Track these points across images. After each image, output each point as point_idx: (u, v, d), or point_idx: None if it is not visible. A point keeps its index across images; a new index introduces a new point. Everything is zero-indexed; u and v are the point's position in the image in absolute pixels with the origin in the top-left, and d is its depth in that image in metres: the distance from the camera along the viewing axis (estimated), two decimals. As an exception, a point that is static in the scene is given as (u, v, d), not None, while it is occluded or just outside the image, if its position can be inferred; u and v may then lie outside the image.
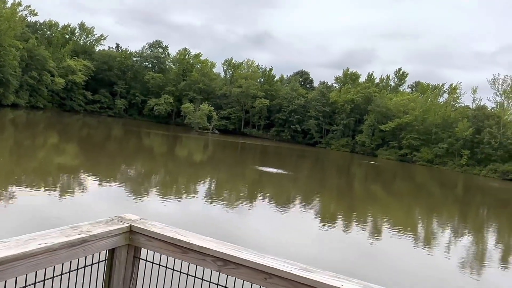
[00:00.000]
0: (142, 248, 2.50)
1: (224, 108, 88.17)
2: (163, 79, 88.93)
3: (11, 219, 10.41)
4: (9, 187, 14.12)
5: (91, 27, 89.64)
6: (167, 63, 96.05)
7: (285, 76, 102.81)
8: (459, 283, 10.81)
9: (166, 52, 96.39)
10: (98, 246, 2.25)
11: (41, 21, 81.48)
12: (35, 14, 74.92)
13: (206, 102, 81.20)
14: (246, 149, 57.83)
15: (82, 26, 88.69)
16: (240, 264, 2.18)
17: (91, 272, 2.28)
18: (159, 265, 2.46)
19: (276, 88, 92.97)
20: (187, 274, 2.40)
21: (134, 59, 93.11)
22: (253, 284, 2.18)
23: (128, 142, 42.08)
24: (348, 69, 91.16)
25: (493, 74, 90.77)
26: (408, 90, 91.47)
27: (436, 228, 19.10)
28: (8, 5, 66.32)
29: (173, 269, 2.44)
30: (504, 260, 14.44)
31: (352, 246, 13.22)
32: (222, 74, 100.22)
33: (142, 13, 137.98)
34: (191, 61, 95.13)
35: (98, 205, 13.40)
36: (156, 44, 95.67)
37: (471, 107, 75.11)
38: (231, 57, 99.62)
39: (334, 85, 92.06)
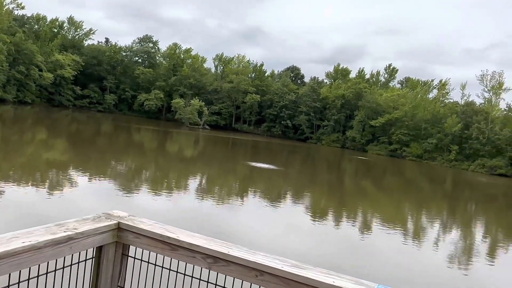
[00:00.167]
0: (130, 246, 2.46)
1: (215, 103, 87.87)
2: (153, 74, 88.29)
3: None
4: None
5: (80, 21, 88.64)
6: (157, 58, 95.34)
7: (276, 72, 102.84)
8: (447, 276, 10.94)
9: (156, 47, 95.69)
10: (85, 244, 2.20)
11: (29, 15, 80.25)
12: (22, 8, 73.80)
13: (196, 97, 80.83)
14: (237, 144, 57.77)
15: (70, 20, 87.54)
16: (230, 262, 2.14)
17: (77, 270, 2.23)
18: (148, 262, 2.42)
19: (267, 84, 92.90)
20: (177, 272, 2.37)
21: (124, 53, 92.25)
22: (243, 281, 2.15)
23: (118, 138, 41.75)
24: (339, 65, 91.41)
25: (481, 70, 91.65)
26: (398, 86, 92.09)
27: (425, 223, 19.30)
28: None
29: (162, 267, 2.40)
30: (491, 254, 14.65)
31: (342, 241, 13.29)
32: (213, 69, 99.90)
33: (132, 7, 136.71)
34: (182, 56, 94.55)
35: (87, 201, 13.26)
36: (146, 39, 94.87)
37: (460, 103, 76.02)
38: (222, 52, 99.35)
39: (325, 80, 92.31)
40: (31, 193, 13.30)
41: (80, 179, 16.99)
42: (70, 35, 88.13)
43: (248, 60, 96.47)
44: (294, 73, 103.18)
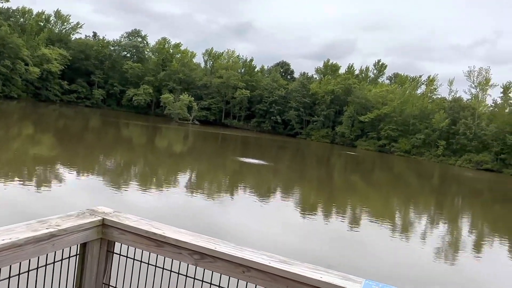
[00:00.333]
0: (115, 242, 2.42)
1: (205, 98, 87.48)
2: (142, 69, 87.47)
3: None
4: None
5: (67, 15, 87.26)
6: (146, 52, 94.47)
7: (265, 67, 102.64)
8: (434, 269, 11.08)
9: (145, 42, 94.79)
10: (68, 241, 2.16)
11: (14, 8, 78.72)
12: (7, 1, 72.31)
13: (186, 92, 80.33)
14: (227, 140, 57.66)
15: (57, 13, 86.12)
16: (217, 258, 2.12)
17: (61, 268, 2.19)
18: (134, 259, 2.39)
19: (256, 79, 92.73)
20: (163, 268, 2.34)
21: (112, 48, 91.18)
22: (230, 277, 2.13)
23: (106, 133, 41.34)
24: (328, 61, 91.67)
25: (468, 67, 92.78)
26: (387, 81, 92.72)
27: (413, 217, 19.52)
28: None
29: (148, 263, 2.37)
30: (477, 247, 14.88)
31: (331, 236, 13.36)
32: (203, 65, 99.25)
33: (120, 1, 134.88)
34: (171, 50, 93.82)
35: (74, 197, 13.11)
36: (135, 33, 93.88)
37: (447, 98, 76.86)
38: (212, 47, 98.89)
39: (315, 76, 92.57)
40: (16, 189, 13.10)
41: (67, 175, 16.79)
42: (57, 29, 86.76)
43: (238, 55, 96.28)
44: (284, 68, 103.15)
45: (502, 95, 70.56)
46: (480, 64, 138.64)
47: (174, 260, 2.26)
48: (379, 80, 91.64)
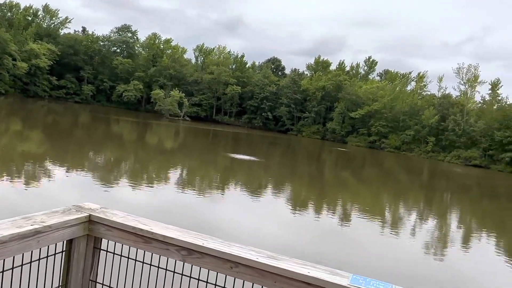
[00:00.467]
0: (102, 239, 2.40)
1: (196, 94, 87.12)
2: (132, 64, 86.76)
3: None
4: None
5: (56, 9, 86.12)
6: (136, 48, 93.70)
7: (257, 63, 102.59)
8: (423, 263, 11.20)
9: (135, 37, 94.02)
10: (53, 238, 2.13)
11: (1, 2, 77.46)
12: (-6, -6, 71.09)
13: (176, 88, 79.89)
14: (218, 136, 57.54)
15: (45, 8, 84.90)
16: (205, 254, 2.12)
17: (46, 264, 2.16)
18: (121, 255, 2.37)
19: (248, 75, 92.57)
20: (150, 265, 2.32)
21: (102, 43, 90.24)
22: (218, 273, 2.12)
23: (96, 129, 40.97)
24: (319, 57, 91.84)
25: (457, 64, 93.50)
26: (378, 78, 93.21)
27: (403, 213, 19.70)
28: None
29: (136, 260, 2.36)
30: (465, 242, 15.08)
31: (322, 231, 13.43)
32: (193, 60, 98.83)
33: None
34: (162, 46, 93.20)
35: (63, 194, 12.99)
36: (125, 29, 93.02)
37: (437, 95, 77.61)
38: (203, 43, 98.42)
39: (306, 72, 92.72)
40: (2, 185, 12.93)
41: (56, 171, 16.62)
42: (45, 24, 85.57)
43: (229, 51, 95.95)
44: (275, 64, 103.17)
45: (490, 91, 71.50)
46: (469, 61, 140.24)
47: (161, 256, 2.24)
48: (369, 76, 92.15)
